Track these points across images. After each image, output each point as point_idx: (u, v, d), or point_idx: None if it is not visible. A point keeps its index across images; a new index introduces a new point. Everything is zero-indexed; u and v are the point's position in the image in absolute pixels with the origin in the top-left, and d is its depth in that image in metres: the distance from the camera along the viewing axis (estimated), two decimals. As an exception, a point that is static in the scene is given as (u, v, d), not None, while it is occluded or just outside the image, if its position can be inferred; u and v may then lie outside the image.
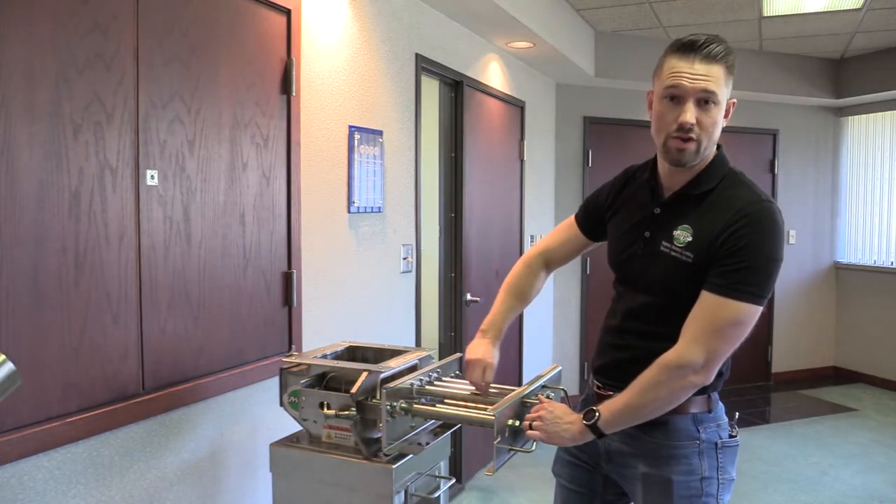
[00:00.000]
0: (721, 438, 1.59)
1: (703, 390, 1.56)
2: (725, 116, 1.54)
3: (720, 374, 1.58)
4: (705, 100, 1.49)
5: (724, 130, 1.57)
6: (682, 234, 1.54)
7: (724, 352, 1.48)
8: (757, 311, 1.47)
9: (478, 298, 3.96)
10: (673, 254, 1.54)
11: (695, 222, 1.53)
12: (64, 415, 1.67)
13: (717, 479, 1.58)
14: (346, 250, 2.82)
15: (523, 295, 1.89)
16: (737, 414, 1.70)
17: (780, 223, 1.49)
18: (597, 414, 1.53)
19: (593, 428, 1.53)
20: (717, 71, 1.48)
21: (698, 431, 1.57)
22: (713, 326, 1.46)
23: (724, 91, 1.50)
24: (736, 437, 1.63)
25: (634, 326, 1.63)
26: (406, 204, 3.29)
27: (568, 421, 1.56)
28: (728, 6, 4.56)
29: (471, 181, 3.94)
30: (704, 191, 1.55)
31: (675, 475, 1.56)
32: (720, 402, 1.65)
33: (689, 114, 1.48)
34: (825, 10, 4.60)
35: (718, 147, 1.60)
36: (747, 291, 1.45)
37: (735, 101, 1.55)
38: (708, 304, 1.47)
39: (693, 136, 1.49)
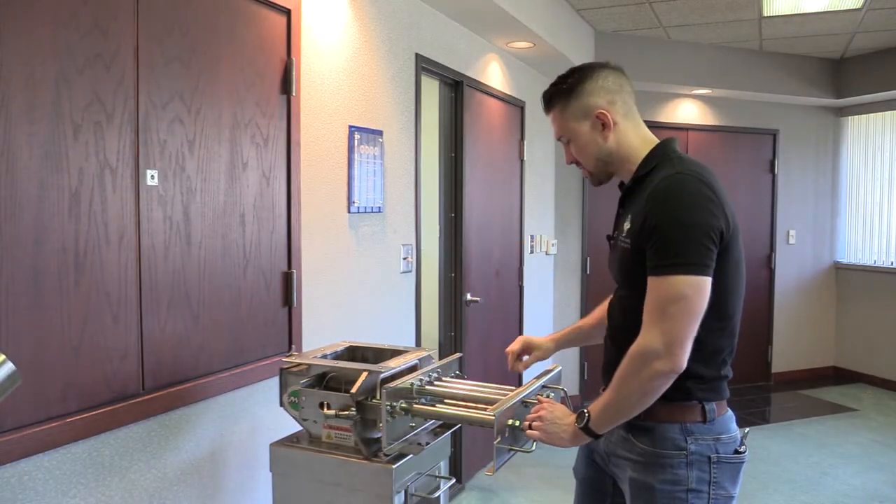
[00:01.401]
0: (717, 453, 1.53)
1: (694, 398, 1.53)
2: (605, 128, 1.62)
3: (717, 377, 1.56)
4: (565, 140, 1.69)
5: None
6: (626, 225, 1.58)
7: (679, 331, 1.43)
8: (696, 280, 1.43)
9: (478, 298, 3.96)
10: (622, 245, 1.59)
11: (632, 210, 1.58)
12: (64, 415, 1.67)
13: (709, 494, 1.53)
14: (346, 250, 2.82)
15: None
16: (747, 429, 1.62)
17: (692, 188, 1.47)
18: (587, 415, 1.54)
19: (585, 429, 1.53)
20: (555, 115, 1.69)
21: (686, 442, 1.53)
22: (658, 308, 1.45)
23: (569, 124, 1.66)
24: (743, 453, 1.56)
25: (616, 323, 1.67)
26: (406, 204, 3.29)
27: (566, 423, 1.57)
28: (728, 6, 4.56)
29: (471, 181, 3.94)
30: (638, 177, 1.61)
31: (659, 483, 1.53)
32: (726, 415, 1.59)
33: (566, 156, 1.73)
34: (825, 10, 4.60)
35: (666, 141, 1.65)
36: (675, 264, 1.44)
37: (602, 110, 1.61)
38: (651, 289, 1.48)
39: (580, 167, 1.71)
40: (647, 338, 1.46)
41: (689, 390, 1.54)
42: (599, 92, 1.62)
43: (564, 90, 1.64)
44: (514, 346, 1.96)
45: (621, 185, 1.72)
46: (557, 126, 1.69)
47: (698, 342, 1.47)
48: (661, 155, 1.60)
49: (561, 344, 1.97)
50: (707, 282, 1.45)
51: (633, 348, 1.48)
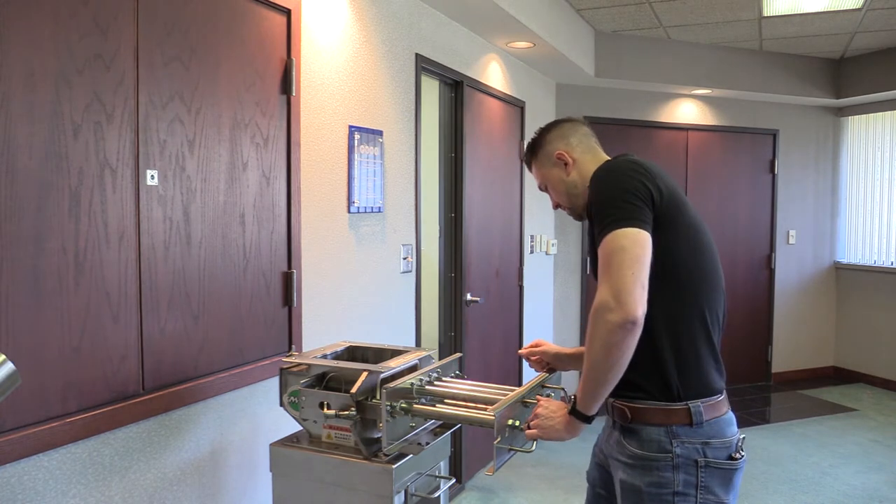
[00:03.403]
0: (705, 457, 1.53)
1: (679, 398, 1.54)
2: (567, 166, 1.82)
3: (692, 356, 1.56)
4: (544, 187, 1.90)
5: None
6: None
7: (622, 279, 1.45)
8: (629, 231, 1.49)
9: (478, 298, 3.96)
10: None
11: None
12: (64, 415, 1.67)
13: (696, 498, 1.53)
14: (346, 250, 2.82)
15: None
16: (742, 435, 1.60)
17: (622, 166, 1.61)
18: (572, 398, 1.56)
19: (574, 412, 1.55)
20: (534, 171, 1.90)
21: (671, 445, 1.54)
22: (605, 265, 1.50)
23: (542, 171, 1.87)
24: (738, 459, 1.56)
25: None
26: (406, 204, 3.29)
27: (559, 414, 1.59)
28: (728, 6, 4.56)
29: (471, 181, 3.94)
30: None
31: (646, 486, 1.55)
32: (721, 418, 1.58)
33: (551, 201, 1.91)
34: (825, 10, 4.60)
35: (621, 154, 1.75)
36: (609, 223, 1.52)
37: (560, 151, 1.83)
38: (599, 255, 1.54)
39: (564, 209, 1.89)
40: (598, 296, 1.50)
41: (667, 382, 1.54)
42: (557, 139, 1.85)
43: (534, 145, 1.90)
44: (528, 349, 2.04)
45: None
46: (537, 176, 1.90)
47: (659, 311, 1.53)
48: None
49: (572, 360, 1.95)
50: (643, 234, 1.50)
51: (591, 311, 1.52)
